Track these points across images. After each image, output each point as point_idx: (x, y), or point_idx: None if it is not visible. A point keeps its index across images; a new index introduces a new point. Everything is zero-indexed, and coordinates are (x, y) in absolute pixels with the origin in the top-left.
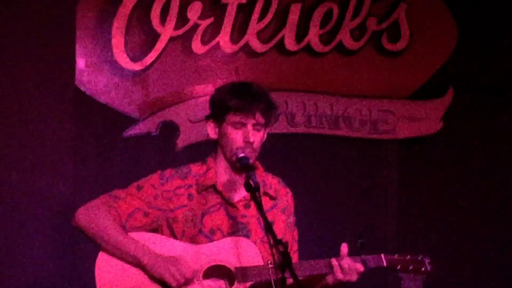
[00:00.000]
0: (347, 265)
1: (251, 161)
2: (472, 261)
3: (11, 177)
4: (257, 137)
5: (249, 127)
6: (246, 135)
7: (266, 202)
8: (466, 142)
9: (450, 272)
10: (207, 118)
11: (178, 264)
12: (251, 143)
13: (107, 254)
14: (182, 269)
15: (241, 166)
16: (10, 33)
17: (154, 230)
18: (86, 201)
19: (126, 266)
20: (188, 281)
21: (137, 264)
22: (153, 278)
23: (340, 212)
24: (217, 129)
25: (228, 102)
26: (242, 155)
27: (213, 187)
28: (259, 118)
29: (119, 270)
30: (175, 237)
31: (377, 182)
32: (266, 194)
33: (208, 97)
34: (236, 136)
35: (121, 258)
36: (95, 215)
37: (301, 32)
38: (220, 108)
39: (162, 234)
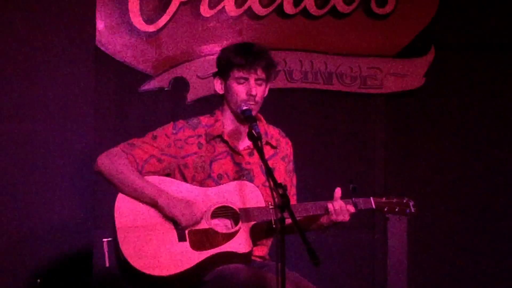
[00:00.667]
0: (339, 207)
1: (253, 112)
2: (456, 206)
3: (39, 128)
4: (259, 91)
5: (252, 81)
6: (249, 89)
7: (267, 151)
8: (446, 96)
9: (434, 217)
10: (214, 75)
11: (190, 206)
12: (254, 96)
13: (125, 196)
14: (194, 211)
15: (244, 118)
16: (45, 15)
17: (167, 175)
18: (105, 149)
19: (142, 206)
20: (198, 222)
21: (153, 204)
22: (166, 217)
23: (333, 160)
24: (223, 85)
25: (233, 60)
26: (245, 107)
27: (220, 136)
28: (261, 73)
29: (136, 210)
30: (186, 181)
31: (366, 133)
32: (267, 143)
33: (214, 56)
34: (240, 90)
35: (138, 200)
36: (114, 161)
37: None
38: (226, 65)
39: (174, 178)
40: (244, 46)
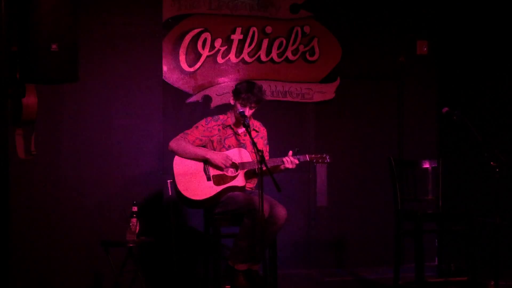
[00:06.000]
0: (290, 159)
1: (246, 113)
2: (349, 162)
3: (135, 123)
4: (250, 112)
5: (247, 108)
6: (245, 111)
7: (253, 133)
8: (346, 104)
9: (338, 165)
10: (232, 93)
11: (221, 155)
12: (248, 115)
13: (179, 158)
14: (222, 157)
15: (240, 116)
16: (137, 63)
17: (204, 146)
18: (168, 135)
19: (187, 162)
20: (223, 162)
21: (204, 159)
22: (202, 167)
23: (287, 136)
24: (234, 101)
25: (241, 94)
26: (241, 110)
27: (230, 126)
28: (254, 105)
29: (184, 165)
30: (213, 148)
31: (304, 121)
32: (253, 129)
33: (225, 84)
34: (241, 109)
35: (195, 159)
36: (180, 143)
37: (268, 52)
38: (238, 94)
39: (207, 147)
40: (249, 87)
